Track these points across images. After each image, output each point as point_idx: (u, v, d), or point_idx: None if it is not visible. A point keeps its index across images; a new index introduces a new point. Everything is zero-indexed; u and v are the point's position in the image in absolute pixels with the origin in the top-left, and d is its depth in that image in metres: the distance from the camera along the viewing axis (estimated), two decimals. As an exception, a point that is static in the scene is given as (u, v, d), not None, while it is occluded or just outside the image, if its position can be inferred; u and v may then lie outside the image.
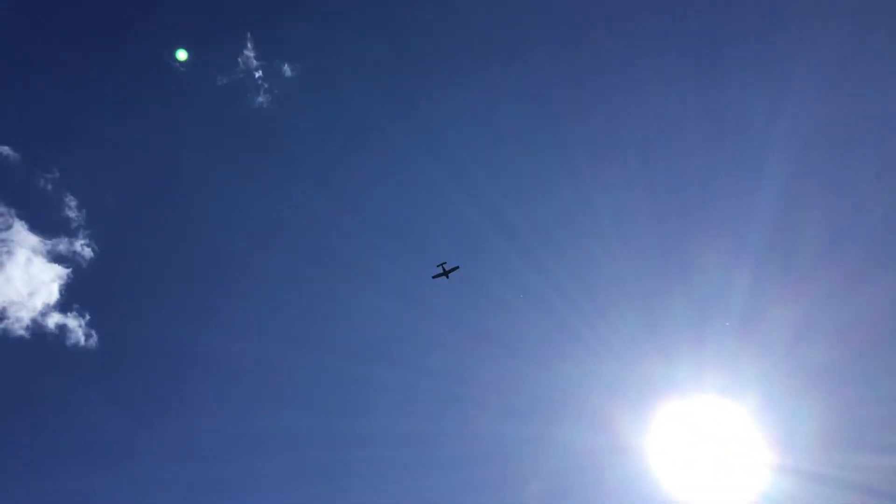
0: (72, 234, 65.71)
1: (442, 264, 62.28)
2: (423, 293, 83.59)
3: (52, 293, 64.44)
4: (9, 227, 62.74)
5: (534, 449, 78.51)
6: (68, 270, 65.14)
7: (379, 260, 79.20)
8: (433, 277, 61.48)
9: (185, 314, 70.24)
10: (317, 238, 76.25)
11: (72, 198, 65.69)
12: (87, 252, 66.11)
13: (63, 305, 65.07)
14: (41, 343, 64.37)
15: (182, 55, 65.19)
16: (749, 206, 74.54)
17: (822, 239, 72.92)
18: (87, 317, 65.95)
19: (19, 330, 63.21)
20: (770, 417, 73.18)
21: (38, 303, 63.69)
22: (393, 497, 77.41)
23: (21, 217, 63.97)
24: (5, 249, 62.28)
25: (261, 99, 72.87)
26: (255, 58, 72.49)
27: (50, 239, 64.78)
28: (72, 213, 65.74)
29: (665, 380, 76.97)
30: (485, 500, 77.03)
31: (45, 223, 65.03)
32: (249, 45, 72.28)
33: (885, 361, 69.72)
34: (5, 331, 62.62)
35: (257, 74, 72.40)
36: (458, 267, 61.57)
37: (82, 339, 65.66)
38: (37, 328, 64.00)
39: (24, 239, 63.74)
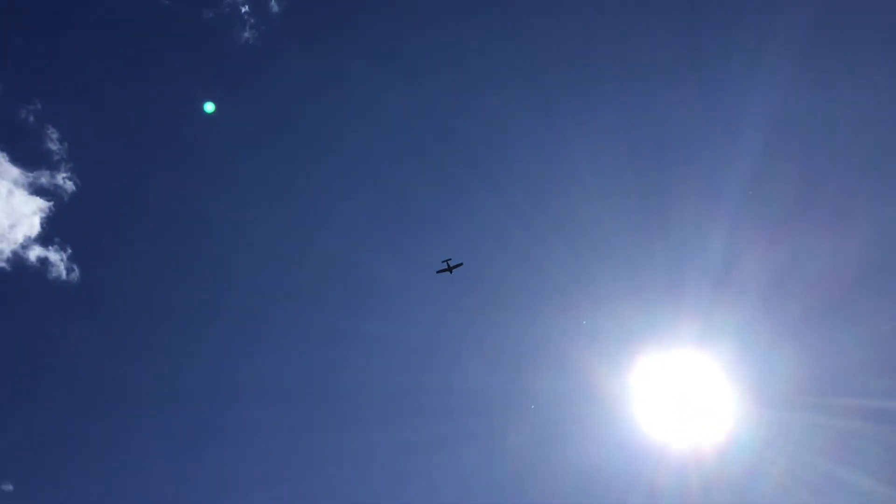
0: (53, 167, 65.56)
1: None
2: (406, 246, 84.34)
3: (33, 226, 64.35)
4: (-11, 159, 62.62)
5: (515, 399, 79.29)
6: (50, 204, 65.01)
7: (363, 207, 79.71)
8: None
9: (168, 252, 70.40)
10: (299, 181, 76.49)
11: (53, 130, 65.51)
12: (69, 186, 65.98)
13: (44, 239, 65.00)
14: (22, 276, 64.33)
15: None
16: (727, 156, 75.34)
17: (800, 189, 73.89)
18: (69, 251, 65.93)
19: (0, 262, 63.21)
20: (746, 365, 74.26)
21: (19, 235, 63.62)
22: (374, 447, 78.20)
23: (1, 149, 63.87)
24: (-14, 181, 62.19)
25: (246, 34, 72.66)
26: (242, -8, 72.27)
27: (31, 171, 64.62)
28: (53, 146, 65.54)
29: (644, 330, 77.88)
30: (467, 451, 77.76)
31: (27, 155, 64.82)
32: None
33: (861, 308, 70.87)
34: (-15, 263, 62.63)
35: (243, 10, 72.19)
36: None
37: (64, 273, 65.64)
38: (17, 261, 63.93)
39: (6, 171, 63.61)
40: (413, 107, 75.47)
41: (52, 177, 64.74)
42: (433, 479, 78.34)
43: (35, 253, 64.21)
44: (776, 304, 73.83)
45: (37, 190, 64.47)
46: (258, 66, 73.48)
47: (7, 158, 63.57)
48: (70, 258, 65.61)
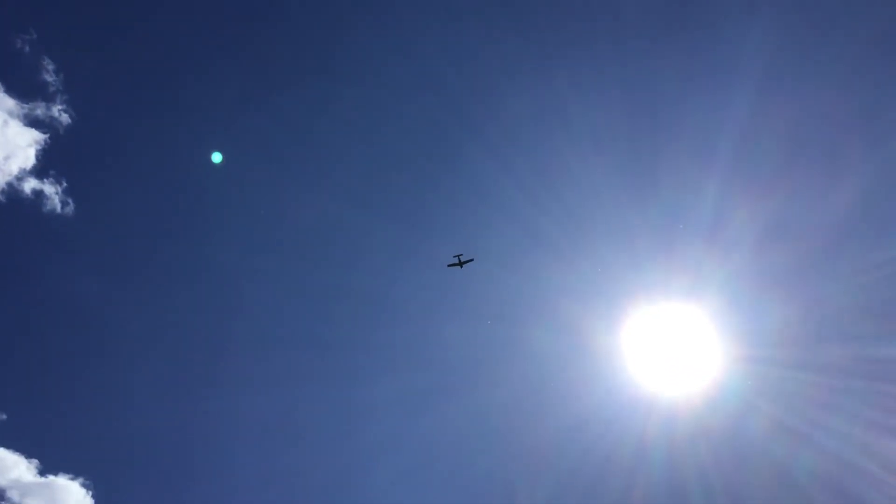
0: (49, 98, 65.03)
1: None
2: (397, 205, 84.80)
3: (28, 158, 63.80)
4: (-16, 88, 62.06)
5: (507, 351, 79.80)
6: (45, 136, 64.44)
7: (354, 163, 79.92)
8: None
9: (163, 185, 69.98)
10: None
11: (49, 61, 64.98)
12: (65, 118, 65.47)
13: (40, 171, 64.44)
14: (17, 208, 63.72)
15: None
16: (719, 113, 76.62)
17: (789, 144, 75.36)
18: (64, 184, 65.42)
19: (-5, 194, 62.62)
20: (735, 316, 75.44)
21: (14, 167, 63.06)
22: (366, 399, 78.35)
23: (-4, 78, 63.25)
24: (-19, 111, 61.60)
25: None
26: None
27: (27, 102, 64.05)
28: (49, 77, 65.03)
29: (634, 284, 78.85)
30: (458, 403, 78.09)
31: (22, 86, 64.16)
32: None
33: (847, 258, 72.24)
34: (-20, 194, 62.01)
35: None
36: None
37: (59, 206, 65.11)
38: (12, 193, 63.34)
39: (0, 101, 63.05)
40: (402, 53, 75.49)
41: (48, 109, 64.31)
42: (425, 431, 78.64)
43: (30, 185, 63.78)
44: (765, 256, 75.00)
45: (32, 122, 64.02)
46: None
47: (2, 89, 63.11)
48: (65, 192, 65.21)
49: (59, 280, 65.47)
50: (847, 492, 70.35)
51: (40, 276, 64.88)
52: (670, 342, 77.00)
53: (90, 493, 62.82)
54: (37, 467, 61.35)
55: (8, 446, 60.94)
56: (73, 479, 62.63)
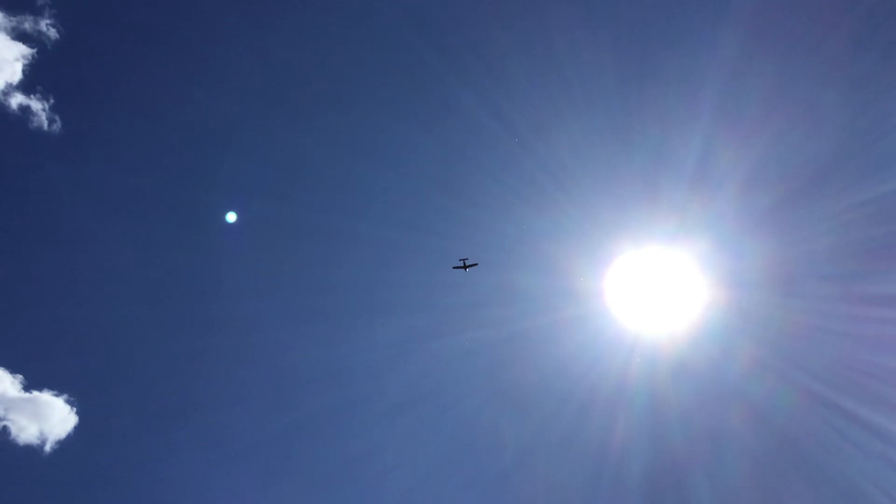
0: (37, 12, 64.54)
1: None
2: (389, 148, 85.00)
3: (15, 72, 63.28)
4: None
5: (494, 295, 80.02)
6: (33, 51, 63.95)
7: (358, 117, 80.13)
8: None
9: (152, 105, 69.38)
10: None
11: (37, -28, 64.45)
12: (53, 33, 64.96)
13: (27, 87, 63.96)
14: (3, 123, 63.28)
15: None
16: (705, 56, 77.29)
17: (772, 87, 76.21)
18: (51, 101, 65.00)
19: (-20, 107, 62.16)
20: (719, 256, 76.15)
21: (0, 81, 62.62)
22: (355, 339, 78.92)
23: (-18, -9, 62.78)
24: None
25: None
26: None
27: (14, 16, 63.50)
28: (37, -10, 64.49)
29: (619, 227, 79.43)
30: (446, 343, 78.40)
31: (10, -1, 63.77)
32: None
33: (829, 197, 73.07)
34: (-35, 107, 61.58)
35: None
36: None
37: (45, 123, 64.70)
38: (-1, 107, 62.90)
39: (-13, 14, 62.52)
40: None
41: (36, 23, 63.75)
42: (414, 370, 78.97)
43: (16, 101, 63.28)
44: (749, 197, 75.68)
45: (19, 35, 63.46)
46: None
47: (-11, 2, 62.61)
48: (52, 108, 64.74)
49: (45, 198, 65.11)
50: (825, 430, 71.27)
51: (26, 193, 64.50)
52: (654, 284, 77.76)
53: (74, 409, 63.36)
54: (21, 383, 61.78)
55: (-8, 361, 60.46)
56: (57, 395, 63.09)
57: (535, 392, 79.89)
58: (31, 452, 60.89)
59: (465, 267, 61.79)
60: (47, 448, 61.41)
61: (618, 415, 73.15)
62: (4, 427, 59.55)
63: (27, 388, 61.65)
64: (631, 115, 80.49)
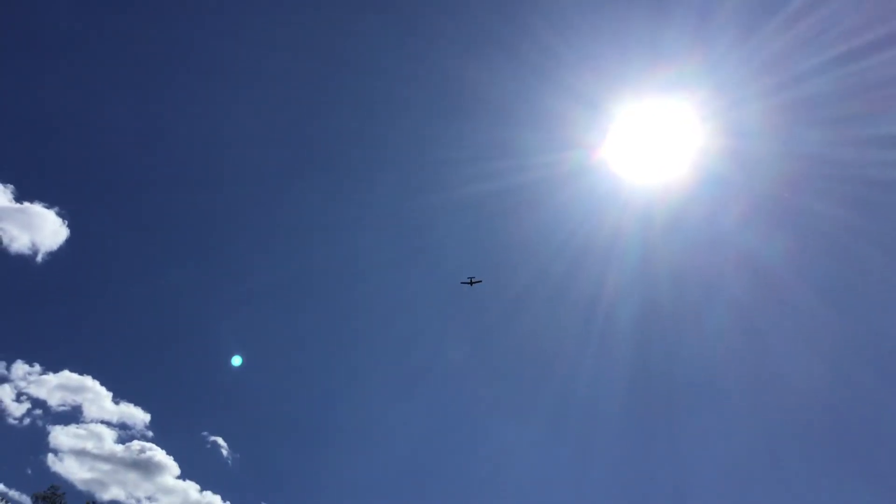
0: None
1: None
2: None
3: None
4: None
5: (491, 150, 79.75)
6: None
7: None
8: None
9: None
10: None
11: None
12: None
13: None
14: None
15: None
16: None
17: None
18: None
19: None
20: (718, 108, 74.76)
21: None
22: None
23: None
24: None
25: None
26: None
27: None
28: None
29: (619, 80, 77.93)
30: (445, 196, 78.88)
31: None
32: None
33: (830, 40, 70.79)
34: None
35: None
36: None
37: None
38: None
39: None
40: None
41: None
42: (418, 215, 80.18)
43: None
44: (751, 44, 73.66)
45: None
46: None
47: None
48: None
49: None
50: (819, 271, 71.47)
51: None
52: (652, 136, 76.70)
53: (66, 222, 63.74)
54: (12, 192, 61.48)
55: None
56: (48, 207, 63.18)
57: (530, 244, 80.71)
58: (23, 262, 61.72)
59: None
60: (38, 259, 62.13)
61: (609, 267, 73.77)
62: (-4, 235, 59.32)
63: (18, 198, 61.53)
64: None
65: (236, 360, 62.03)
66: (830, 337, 68.29)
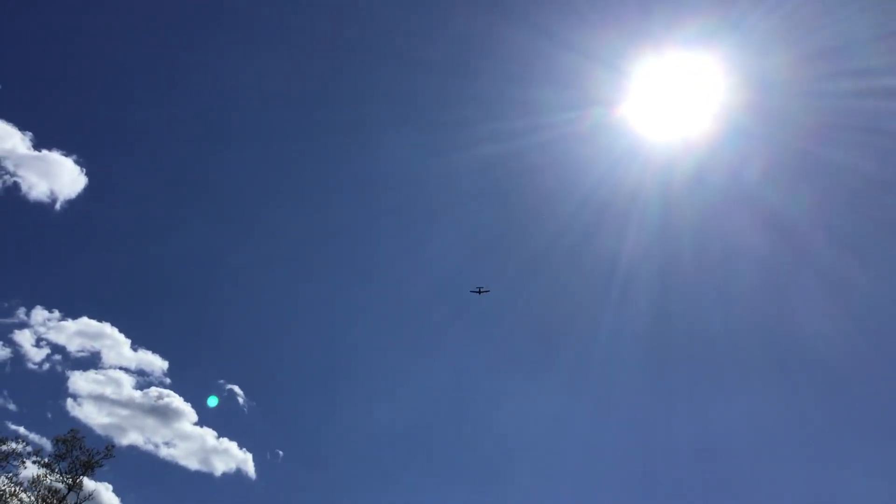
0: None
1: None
2: None
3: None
4: None
5: (511, 109, 78.90)
6: None
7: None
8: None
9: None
10: None
11: None
12: None
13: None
14: None
15: None
16: None
17: None
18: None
19: None
20: (742, 60, 73.52)
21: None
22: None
23: None
24: None
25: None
26: None
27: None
28: None
29: (640, 35, 76.73)
30: (467, 155, 78.22)
31: None
32: None
33: None
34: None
35: None
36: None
37: None
38: None
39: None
40: None
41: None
42: (440, 175, 79.62)
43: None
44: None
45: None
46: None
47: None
48: None
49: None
50: (844, 226, 70.35)
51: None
52: (674, 91, 75.52)
53: (83, 170, 63.57)
54: (31, 140, 61.13)
55: (1, 116, 60.46)
56: (66, 155, 63.06)
57: (550, 202, 79.94)
58: (42, 209, 61.91)
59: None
60: (57, 207, 62.17)
61: (631, 223, 72.76)
62: (15, 183, 59.52)
63: (37, 146, 61.24)
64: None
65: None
66: (855, 292, 67.38)
